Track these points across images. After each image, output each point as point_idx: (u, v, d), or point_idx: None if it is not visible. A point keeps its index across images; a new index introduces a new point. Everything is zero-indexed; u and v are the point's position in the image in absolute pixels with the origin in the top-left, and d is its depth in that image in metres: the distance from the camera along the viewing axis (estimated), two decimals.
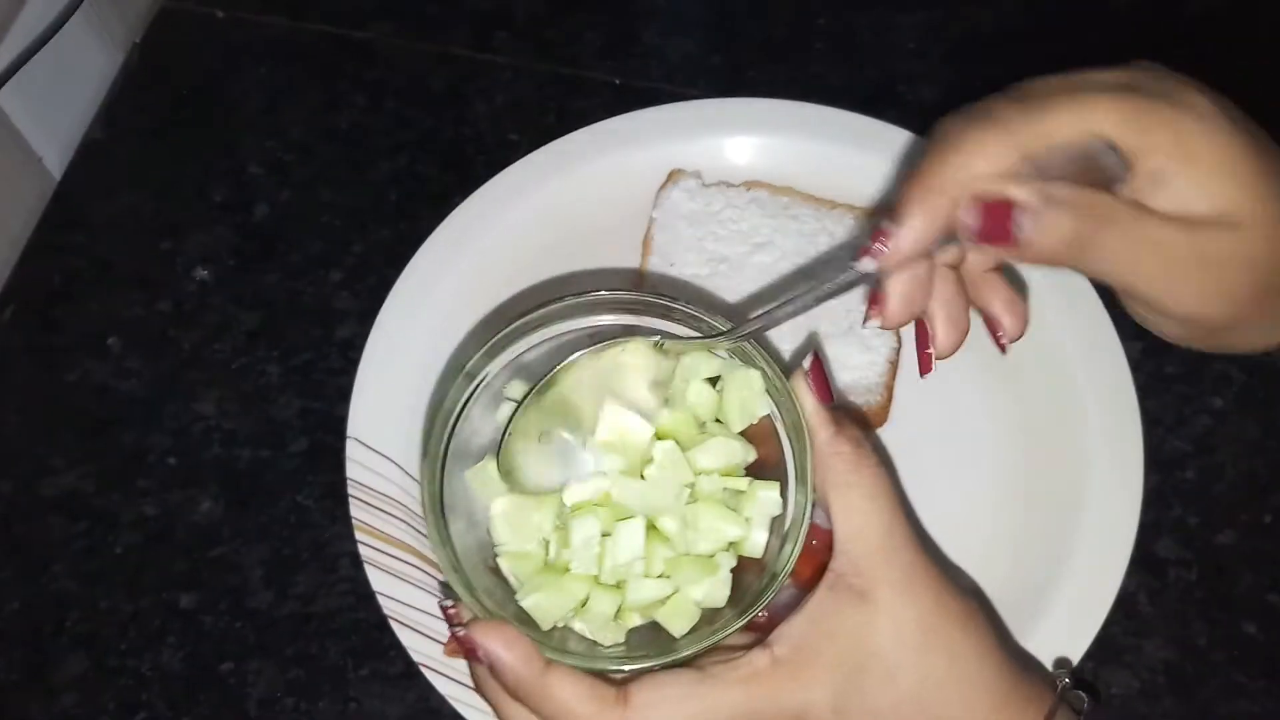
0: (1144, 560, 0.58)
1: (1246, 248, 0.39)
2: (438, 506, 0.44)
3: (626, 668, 0.42)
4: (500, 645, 0.40)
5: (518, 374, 0.47)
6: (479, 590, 0.43)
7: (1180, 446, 0.61)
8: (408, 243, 0.65)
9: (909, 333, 0.62)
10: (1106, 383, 0.60)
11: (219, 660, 0.58)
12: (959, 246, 0.41)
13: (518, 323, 0.46)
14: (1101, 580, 0.55)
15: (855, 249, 0.40)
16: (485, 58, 0.75)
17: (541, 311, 0.46)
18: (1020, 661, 0.44)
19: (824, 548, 0.43)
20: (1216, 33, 0.75)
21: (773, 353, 0.46)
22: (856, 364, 0.61)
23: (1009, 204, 0.38)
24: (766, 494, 0.44)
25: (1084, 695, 0.44)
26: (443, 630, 0.54)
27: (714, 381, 0.47)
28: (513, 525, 0.46)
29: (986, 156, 0.38)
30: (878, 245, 0.39)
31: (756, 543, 0.44)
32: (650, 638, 0.44)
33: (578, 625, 0.44)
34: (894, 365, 0.61)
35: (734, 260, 0.64)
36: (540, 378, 0.45)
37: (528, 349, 0.47)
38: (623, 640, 0.44)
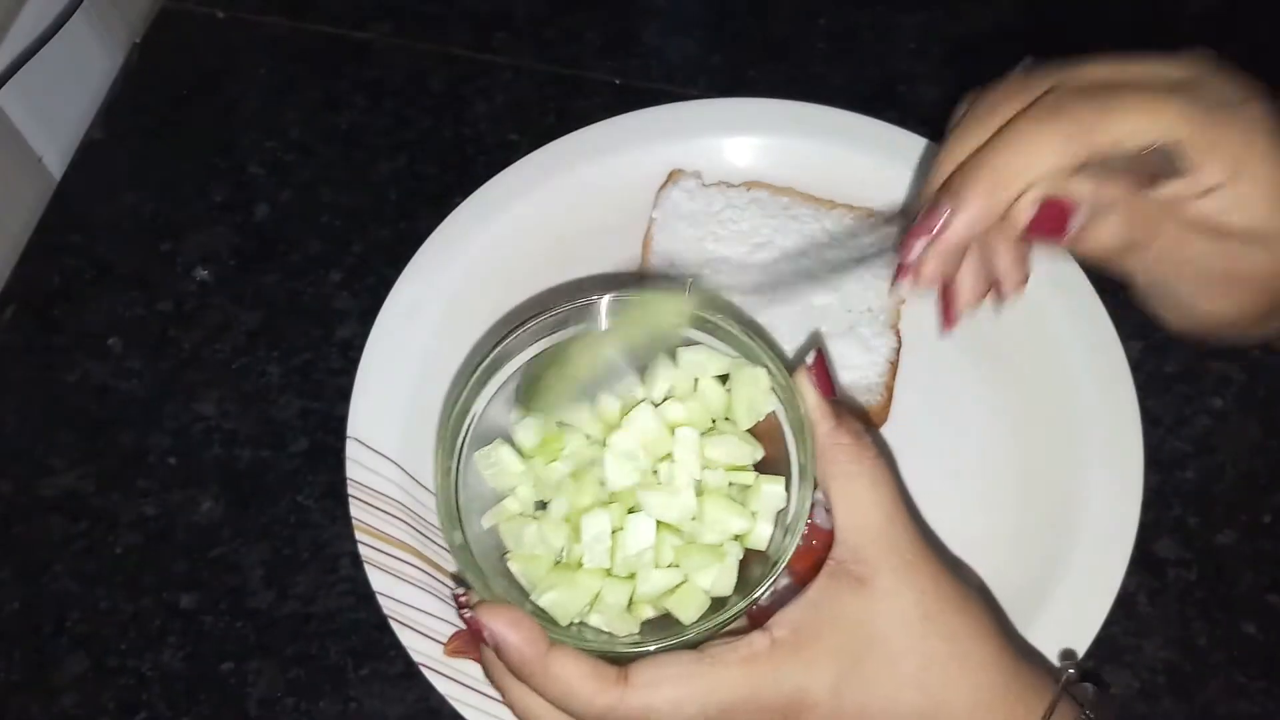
0: (1144, 560, 0.58)
1: (1273, 263, 0.40)
2: (452, 505, 0.45)
3: (634, 650, 0.42)
4: (505, 626, 0.41)
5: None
6: (492, 580, 0.44)
7: (1180, 446, 0.61)
8: (407, 243, 0.65)
9: (910, 333, 0.62)
10: (1106, 382, 0.60)
11: (219, 660, 0.58)
12: None
13: (532, 324, 0.47)
14: (1101, 580, 0.55)
15: (891, 224, 0.42)
16: (485, 58, 0.75)
17: (555, 314, 0.47)
18: (1022, 651, 0.44)
19: (823, 546, 0.43)
20: (1216, 33, 0.75)
21: (777, 351, 0.47)
22: (857, 364, 0.61)
23: (1070, 206, 0.39)
24: (771, 489, 0.45)
25: (1090, 686, 0.44)
26: (442, 631, 0.54)
27: (723, 380, 0.48)
28: (519, 534, 0.46)
29: (1052, 158, 0.39)
30: (930, 224, 0.40)
31: (762, 535, 0.45)
32: (663, 628, 0.45)
33: (594, 619, 0.45)
34: (894, 365, 0.61)
35: (734, 260, 0.64)
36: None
37: (540, 350, 0.48)
38: (637, 631, 0.45)
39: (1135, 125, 0.39)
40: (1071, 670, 0.44)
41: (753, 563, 0.45)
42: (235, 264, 0.68)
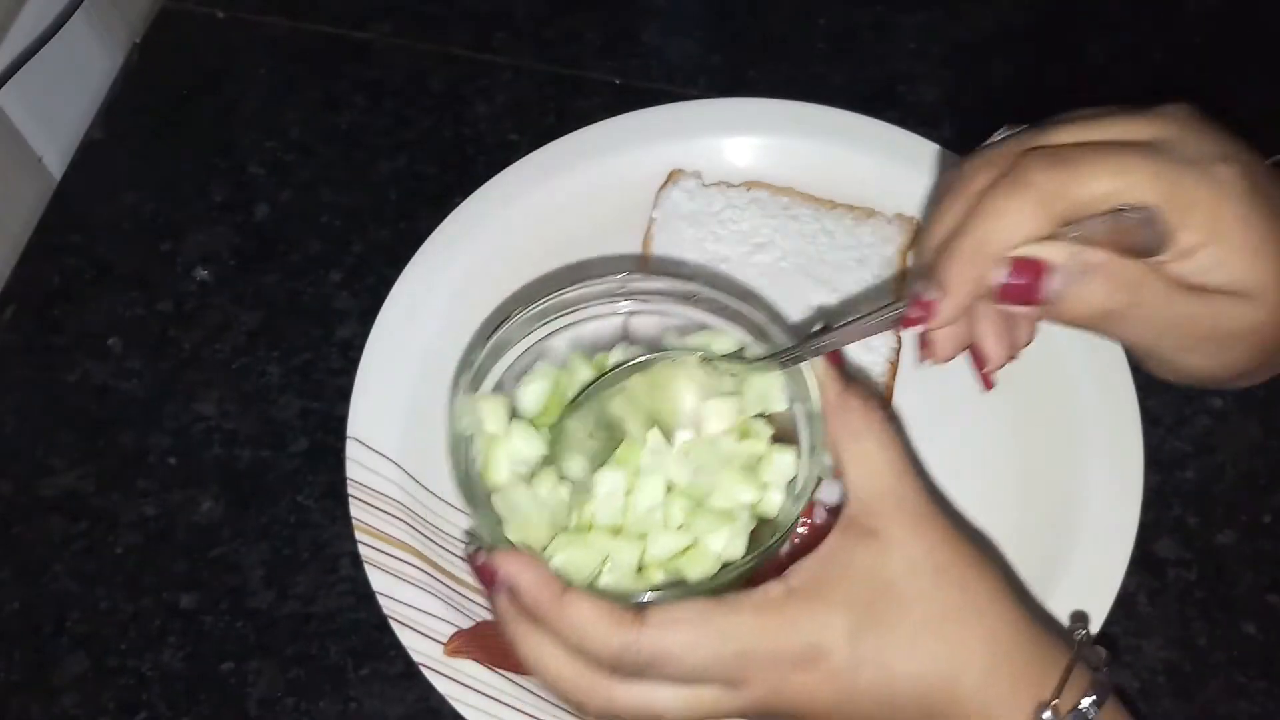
0: (1144, 560, 0.58)
1: (1256, 317, 0.41)
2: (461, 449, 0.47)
3: (646, 597, 0.42)
4: (520, 567, 0.42)
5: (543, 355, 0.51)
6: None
7: (1180, 446, 0.61)
8: (407, 243, 0.65)
9: (910, 334, 0.62)
10: (1106, 382, 0.60)
11: (219, 660, 0.58)
12: None
13: (545, 303, 0.50)
14: (1101, 580, 0.55)
15: (894, 292, 0.44)
16: (485, 58, 0.75)
17: (576, 291, 0.50)
18: (1036, 614, 0.44)
19: (823, 534, 0.44)
20: (1216, 33, 0.75)
21: (788, 331, 0.49)
22: (857, 364, 0.61)
23: (1041, 265, 0.40)
24: (783, 458, 0.47)
25: (1102, 650, 0.44)
26: (442, 631, 0.55)
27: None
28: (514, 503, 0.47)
29: (1024, 226, 0.40)
30: (919, 313, 0.42)
31: (773, 502, 0.46)
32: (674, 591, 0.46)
33: (605, 582, 0.45)
34: (894, 365, 0.61)
35: (734, 260, 0.64)
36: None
37: (552, 331, 0.51)
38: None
39: (1103, 188, 0.40)
40: (1085, 632, 0.44)
41: (762, 533, 0.46)
42: (235, 264, 0.68)
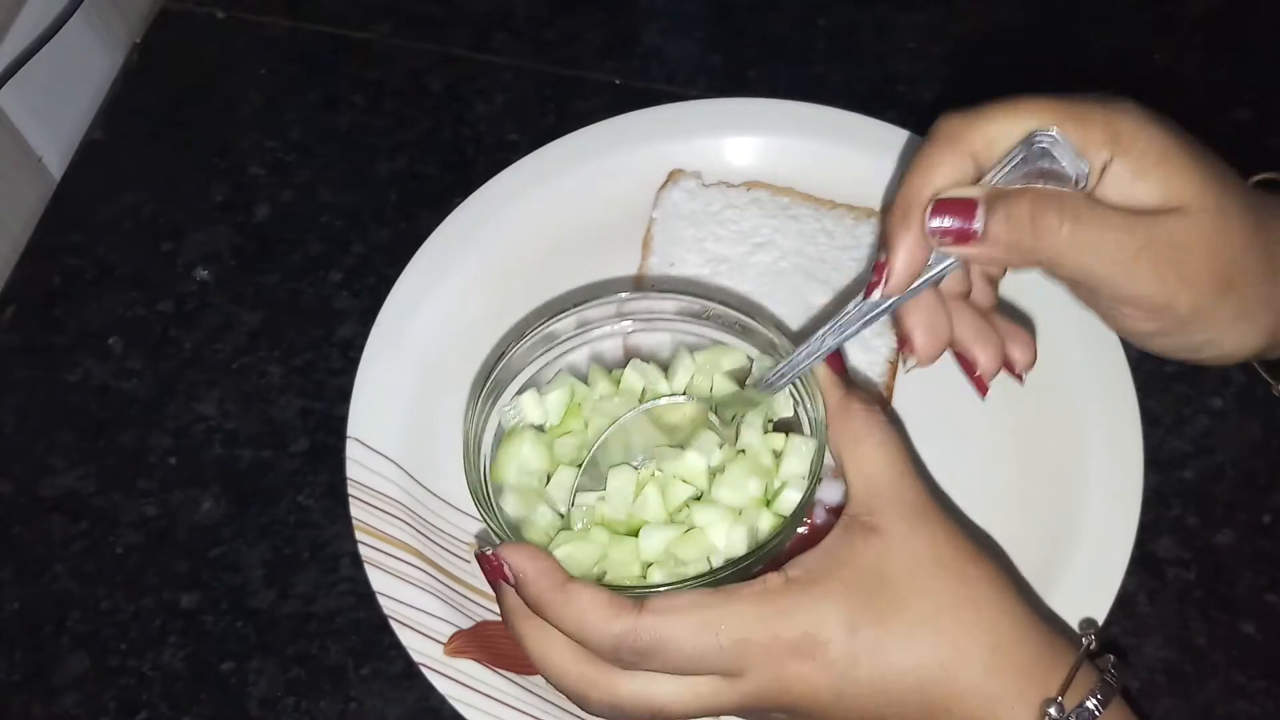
0: (1143, 560, 0.58)
1: (1195, 232, 0.40)
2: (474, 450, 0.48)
3: (647, 587, 0.44)
4: (524, 559, 0.42)
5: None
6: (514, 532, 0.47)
7: (1180, 446, 0.62)
8: (407, 243, 0.65)
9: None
10: (1106, 382, 0.60)
11: (220, 660, 0.58)
12: (962, 274, 0.45)
13: (560, 319, 0.51)
14: (1101, 580, 0.55)
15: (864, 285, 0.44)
16: (485, 58, 0.75)
17: (589, 310, 0.51)
18: (1040, 612, 0.44)
19: (823, 533, 0.44)
20: (1216, 33, 0.75)
21: (791, 342, 0.49)
22: (856, 364, 0.61)
23: (967, 202, 0.41)
24: (798, 443, 0.47)
25: (1110, 656, 0.44)
26: (442, 631, 0.55)
27: (740, 379, 0.50)
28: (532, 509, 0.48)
29: (942, 169, 0.42)
30: (877, 278, 0.43)
31: (789, 500, 0.47)
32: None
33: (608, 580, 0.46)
34: (893, 365, 0.61)
35: (734, 260, 0.64)
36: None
37: (566, 350, 0.52)
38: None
39: (1000, 123, 0.42)
40: (1093, 637, 0.44)
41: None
42: (236, 264, 0.68)
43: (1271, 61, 0.73)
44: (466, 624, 0.55)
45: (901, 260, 0.42)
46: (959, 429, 0.61)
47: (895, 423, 0.49)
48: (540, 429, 0.51)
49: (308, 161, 0.72)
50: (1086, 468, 0.58)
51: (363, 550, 0.56)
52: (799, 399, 0.48)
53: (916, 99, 0.73)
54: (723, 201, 0.66)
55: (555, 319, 0.51)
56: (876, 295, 0.43)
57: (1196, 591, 0.58)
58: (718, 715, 0.43)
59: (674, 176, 0.67)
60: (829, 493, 0.47)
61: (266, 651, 0.58)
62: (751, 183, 0.67)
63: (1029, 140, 0.41)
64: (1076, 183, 0.41)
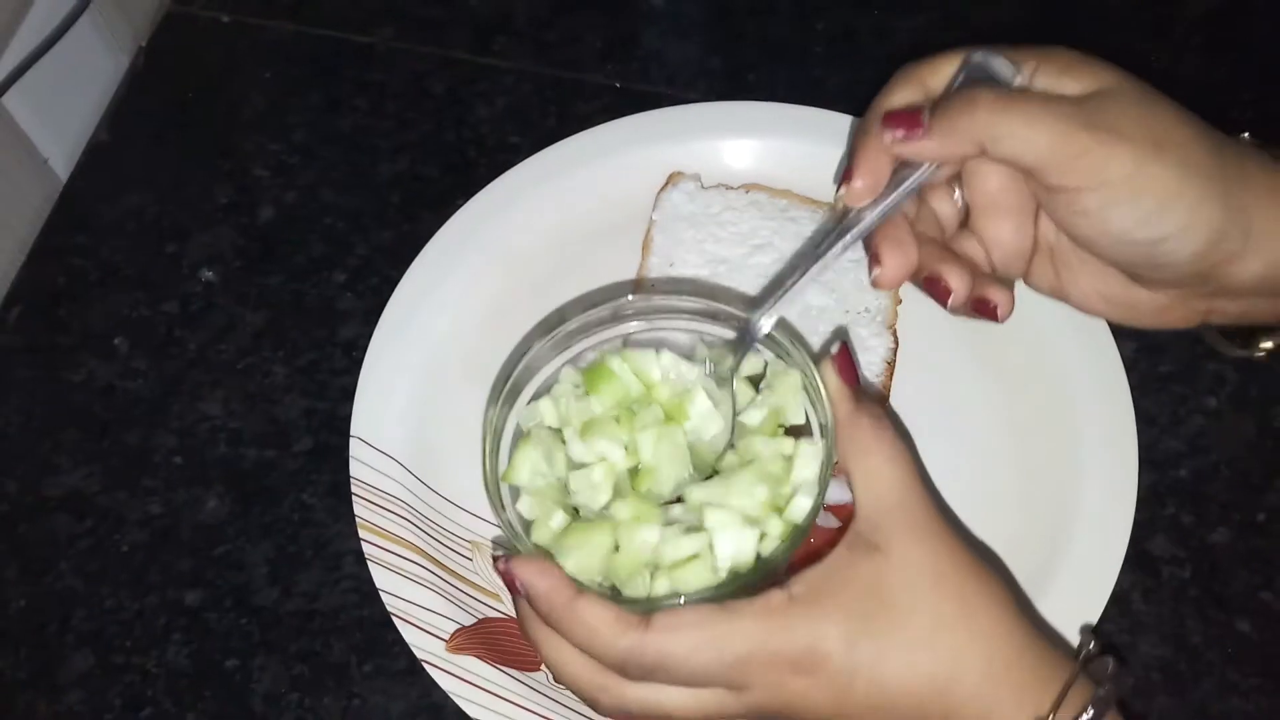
0: (1138, 559, 0.58)
1: (1122, 101, 0.43)
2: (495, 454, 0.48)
3: (654, 601, 0.44)
4: (534, 574, 0.43)
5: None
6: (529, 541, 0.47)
7: (1174, 446, 0.62)
8: (410, 244, 0.66)
9: (906, 334, 0.63)
10: (1101, 382, 0.60)
11: (224, 657, 0.58)
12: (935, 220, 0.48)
13: (578, 321, 0.51)
14: (1096, 578, 0.56)
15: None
16: (486, 61, 0.76)
17: (597, 314, 0.51)
18: (1039, 628, 0.45)
19: (824, 544, 0.44)
20: (1215, 33, 0.75)
21: (811, 355, 0.49)
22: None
23: (914, 108, 0.46)
24: (809, 448, 0.47)
25: (1109, 660, 0.44)
26: (445, 627, 0.55)
27: (754, 382, 0.50)
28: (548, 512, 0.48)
29: (897, 96, 0.47)
30: (844, 183, 0.46)
31: (800, 508, 0.46)
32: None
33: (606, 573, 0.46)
34: (891, 366, 0.62)
35: (733, 262, 0.64)
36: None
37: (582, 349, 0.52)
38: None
39: (948, 58, 0.47)
40: (1091, 646, 0.45)
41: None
42: (240, 265, 0.69)
43: (1271, 61, 0.74)
44: (469, 621, 0.56)
45: (862, 165, 0.45)
46: (955, 428, 0.61)
47: (901, 430, 0.48)
48: (557, 431, 0.50)
49: (311, 163, 0.72)
50: (1082, 467, 0.58)
51: (366, 548, 0.57)
52: (810, 404, 0.48)
53: None
54: (722, 203, 0.66)
55: (574, 320, 0.51)
56: (843, 195, 0.46)
57: (1191, 590, 0.59)
58: None
59: (673, 179, 0.67)
60: (833, 492, 0.48)
61: (270, 649, 0.58)
62: (750, 185, 0.67)
63: (965, 60, 0.46)
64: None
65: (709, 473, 0.49)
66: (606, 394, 0.49)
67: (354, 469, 0.59)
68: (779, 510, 0.46)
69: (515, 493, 0.48)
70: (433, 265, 0.65)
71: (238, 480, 0.62)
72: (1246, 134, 0.47)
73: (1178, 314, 0.48)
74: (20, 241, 0.70)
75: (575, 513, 0.48)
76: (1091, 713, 0.42)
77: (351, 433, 0.60)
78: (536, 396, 0.50)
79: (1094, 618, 0.55)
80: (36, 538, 0.61)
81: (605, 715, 0.46)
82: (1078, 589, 0.56)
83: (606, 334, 0.52)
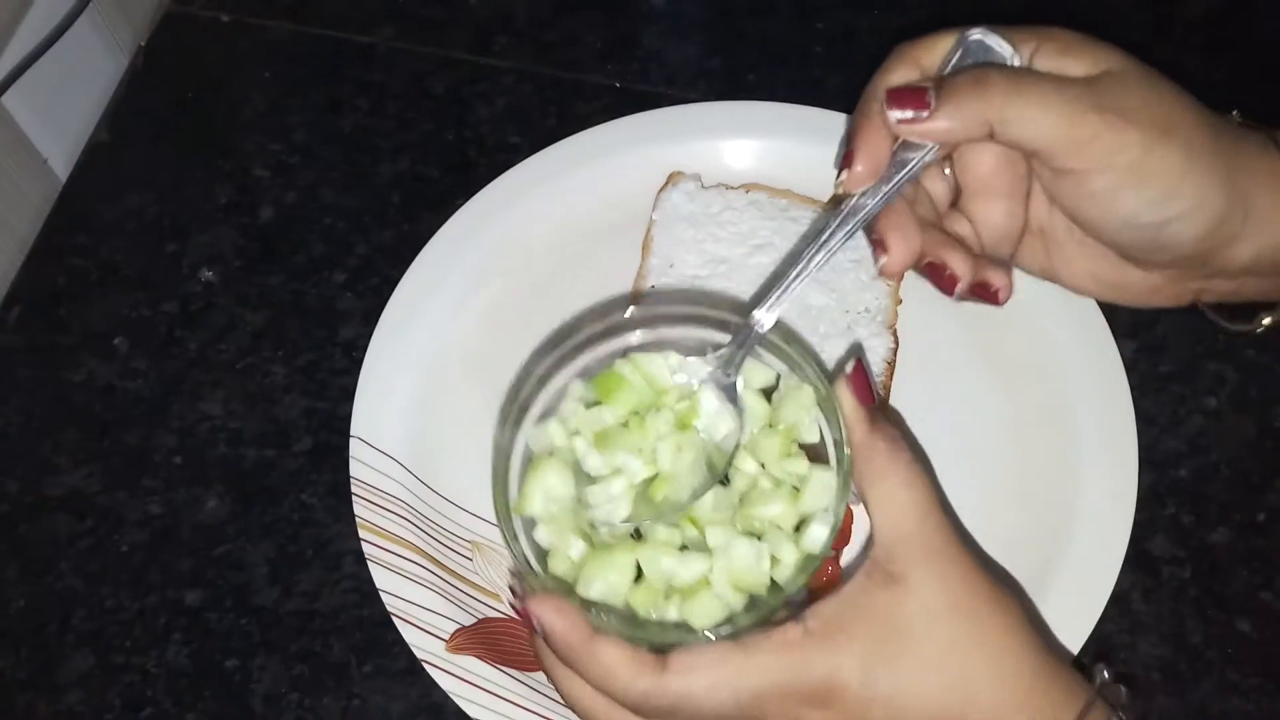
0: (1138, 559, 0.58)
1: (1127, 83, 0.43)
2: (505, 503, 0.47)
3: (671, 639, 0.43)
4: (551, 614, 0.43)
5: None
6: (544, 576, 0.46)
7: (1174, 446, 0.62)
8: (410, 244, 0.66)
9: (907, 335, 0.63)
10: (1101, 382, 0.60)
11: (224, 657, 0.58)
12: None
13: (587, 332, 0.49)
14: (1096, 578, 0.56)
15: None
16: (486, 61, 0.76)
17: (600, 327, 0.49)
18: (1055, 654, 0.44)
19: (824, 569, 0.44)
20: (1215, 33, 0.76)
21: (824, 369, 0.48)
22: None
23: (917, 86, 0.45)
24: (822, 476, 0.46)
25: (1123, 689, 0.44)
26: (445, 627, 0.55)
27: (767, 394, 0.49)
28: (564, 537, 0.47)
29: (895, 76, 0.46)
30: (845, 168, 0.45)
31: (816, 537, 0.45)
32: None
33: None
34: (891, 366, 0.62)
35: (733, 261, 0.64)
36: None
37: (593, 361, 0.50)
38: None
39: (942, 36, 0.47)
40: (1106, 672, 0.45)
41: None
42: (240, 265, 0.69)
43: (1271, 61, 0.74)
44: (469, 621, 0.56)
45: (862, 148, 0.44)
46: (955, 429, 0.61)
47: (918, 452, 0.47)
48: (568, 450, 0.49)
49: (311, 163, 0.72)
50: (1082, 467, 0.58)
51: (366, 548, 0.57)
52: (824, 420, 0.46)
53: None
54: (722, 203, 0.66)
55: (577, 335, 0.49)
56: (843, 179, 0.44)
57: (1191, 590, 0.59)
58: None
59: (673, 179, 0.67)
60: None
61: (270, 649, 0.58)
62: (750, 185, 0.67)
63: (961, 39, 0.45)
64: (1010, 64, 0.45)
65: (721, 475, 0.48)
66: (619, 401, 0.48)
67: (354, 469, 0.59)
68: (792, 534, 0.45)
69: (528, 523, 0.47)
70: (433, 265, 0.65)
71: (238, 480, 0.63)
72: (1235, 111, 0.48)
73: (1169, 293, 0.48)
74: (20, 241, 0.70)
75: (591, 527, 0.47)
76: None
77: (351, 433, 0.60)
78: (544, 415, 0.49)
79: (1094, 618, 0.55)
80: (36, 538, 0.61)
81: None
82: (1078, 589, 0.56)
83: (610, 346, 0.50)
